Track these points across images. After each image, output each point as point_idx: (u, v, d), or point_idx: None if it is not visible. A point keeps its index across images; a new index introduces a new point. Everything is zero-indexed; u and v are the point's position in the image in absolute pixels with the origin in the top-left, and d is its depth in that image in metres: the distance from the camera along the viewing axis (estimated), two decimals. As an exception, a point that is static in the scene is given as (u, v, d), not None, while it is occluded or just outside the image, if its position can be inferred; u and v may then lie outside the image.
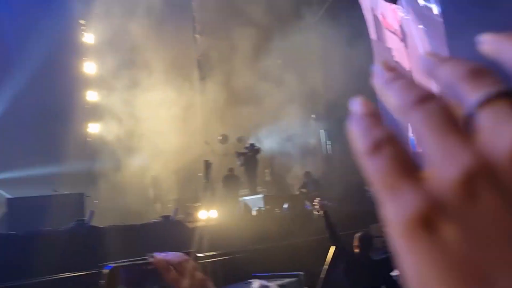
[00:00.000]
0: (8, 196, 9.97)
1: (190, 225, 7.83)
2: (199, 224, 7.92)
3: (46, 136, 12.88)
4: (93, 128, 14.23)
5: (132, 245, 6.71)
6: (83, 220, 6.84)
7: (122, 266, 1.16)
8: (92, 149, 13.96)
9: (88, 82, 14.08)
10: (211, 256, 6.79)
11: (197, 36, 15.39)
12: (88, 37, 14.08)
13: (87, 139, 14.17)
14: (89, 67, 13.95)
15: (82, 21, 14.02)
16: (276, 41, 14.44)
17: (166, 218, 7.82)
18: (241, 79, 14.23)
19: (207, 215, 8.96)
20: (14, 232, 6.34)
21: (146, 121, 13.27)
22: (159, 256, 1.26)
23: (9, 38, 12.96)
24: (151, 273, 1.25)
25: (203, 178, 11.54)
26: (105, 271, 1.14)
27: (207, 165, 11.31)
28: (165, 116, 13.42)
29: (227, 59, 14.72)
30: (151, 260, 1.26)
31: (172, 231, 7.50)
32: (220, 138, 13.91)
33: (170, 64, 13.49)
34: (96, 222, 7.70)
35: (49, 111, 12.92)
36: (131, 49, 14.01)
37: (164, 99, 13.38)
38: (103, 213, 9.35)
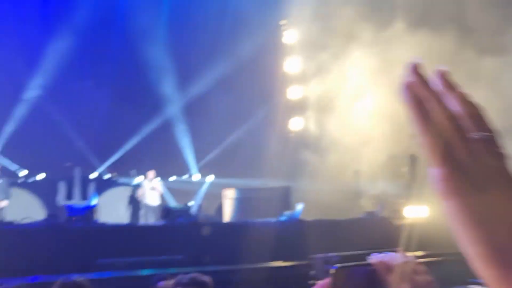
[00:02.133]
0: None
1: (396, 222, 7.46)
2: (406, 221, 7.47)
3: (251, 131, 14.04)
4: (296, 123, 14.85)
5: (337, 240, 6.70)
6: (292, 213, 7.12)
7: (347, 266, 1.10)
8: (295, 144, 14.60)
9: (290, 79, 14.73)
10: (420, 257, 6.30)
11: (394, 30, 14.62)
12: (290, 37, 14.76)
13: (290, 134, 14.87)
14: (291, 65, 14.62)
15: (283, 22, 14.80)
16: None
17: (370, 214, 7.59)
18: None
19: (416, 212, 8.40)
20: (230, 222, 6.94)
21: (348, 116, 13.14)
22: (378, 257, 1.12)
23: (215, 37, 14.38)
24: (372, 275, 1.15)
25: (408, 173, 10.89)
26: (332, 271, 1.09)
27: (413, 159, 10.62)
28: (368, 111, 13.08)
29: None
30: (371, 261, 1.15)
31: (377, 227, 7.26)
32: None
33: (374, 60, 12.97)
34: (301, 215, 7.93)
35: (253, 108, 14.03)
36: (332, 45, 14.06)
37: (363, 98, 13.08)
38: (305, 206, 9.63)
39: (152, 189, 11.10)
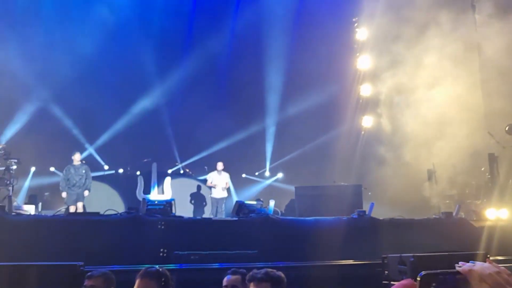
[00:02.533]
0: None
1: (475, 225, 7.12)
2: (486, 223, 7.11)
3: (321, 130, 14.01)
4: (367, 121, 14.60)
5: (410, 240, 6.53)
6: (364, 211, 7.04)
7: (434, 274, 1.11)
8: (367, 141, 14.36)
9: (362, 77, 14.50)
10: (501, 262, 5.99)
11: (477, 16, 13.83)
12: (361, 33, 14.52)
13: (362, 132, 14.64)
14: (363, 62, 14.38)
15: (354, 19, 14.58)
16: None
17: (447, 215, 7.31)
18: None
19: (496, 214, 7.97)
20: (301, 218, 6.99)
21: (423, 111, 12.64)
22: (467, 266, 1.11)
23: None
24: (461, 284, 1.14)
25: (487, 173, 10.33)
26: (419, 277, 1.11)
27: (492, 158, 10.06)
28: (441, 107, 12.52)
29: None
30: (459, 269, 1.14)
31: (454, 229, 6.97)
32: (507, 128, 12.15)
33: (446, 54, 12.36)
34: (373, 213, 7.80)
35: (325, 105, 13.97)
36: (403, 43, 13.62)
37: (438, 91, 12.52)
38: (377, 205, 9.44)
39: (219, 180, 11.42)
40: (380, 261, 5.23)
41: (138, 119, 13.78)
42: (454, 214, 7.45)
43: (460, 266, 1.12)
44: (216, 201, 11.53)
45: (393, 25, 12.80)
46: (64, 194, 10.72)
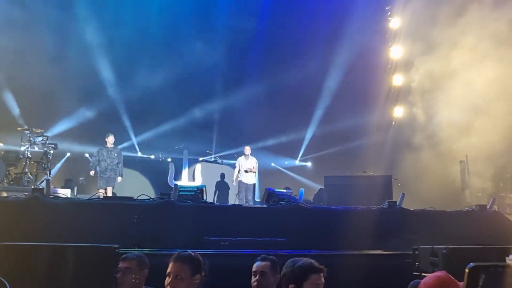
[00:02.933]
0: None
1: (511, 218, 6.96)
2: (521, 218, 6.94)
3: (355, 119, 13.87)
4: (399, 111, 14.37)
5: (441, 232, 6.45)
6: (395, 202, 6.97)
7: (483, 266, 1.11)
8: (397, 132, 14.16)
9: (395, 66, 14.25)
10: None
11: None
12: (394, 22, 14.22)
13: (393, 122, 14.43)
14: (395, 51, 14.12)
15: (388, 7, 14.28)
16: None
17: (481, 207, 7.15)
18: None
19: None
20: (331, 207, 6.97)
21: (456, 100, 12.30)
22: None
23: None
24: (509, 277, 1.13)
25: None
26: (467, 269, 1.10)
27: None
28: (477, 98, 12.14)
29: None
30: (510, 263, 1.13)
31: (488, 222, 6.83)
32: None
33: (486, 35, 11.84)
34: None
35: (357, 95, 13.83)
36: (438, 26, 13.25)
37: (478, 74, 12.08)
38: (407, 196, 9.31)
39: (247, 165, 11.22)
40: (411, 252, 5.20)
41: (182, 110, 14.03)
42: (488, 207, 7.28)
43: (511, 260, 1.11)
44: (245, 186, 11.34)
45: (429, 8, 12.44)
46: (92, 172, 10.64)
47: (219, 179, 11.84)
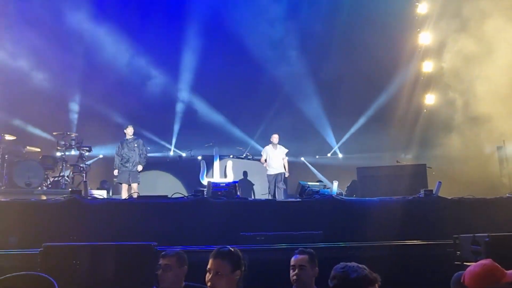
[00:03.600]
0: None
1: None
2: None
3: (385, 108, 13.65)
4: (429, 99, 14.06)
5: (480, 220, 6.29)
6: (431, 190, 6.82)
7: None
8: (429, 120, 13.86)
9: (423, 53, 13.94)
10: None
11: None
12: (422, 7, 13.90)
13: (424, 110, 14.13)
14: (424, 38, 13.81)
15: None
16: None
17: (521, 193, 6.93)
18: None
19: None
20: (367, 198, 6.89)
21: (491, 84, 11.85)
22: None
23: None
24: None
25: None
26: None
27: None
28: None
29: None
30: None
31: (530, 208, 6.61)
32: None
33: None
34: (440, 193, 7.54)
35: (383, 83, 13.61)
36: (466, 17, 12.82)
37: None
38: (444, 184, 9.10)
39: (275, 155, 10.63)
40: (451, 241, 5.09)
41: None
42: (529, 192, 7.05)
43: None
44: (273, 178, 10.75)
45: (450, 4, 12.13)
46: (116, 172, 10.24)
47: (250, 175, 11.86)
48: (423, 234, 6.04)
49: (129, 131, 10.43)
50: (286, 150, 11.02)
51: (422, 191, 6.93)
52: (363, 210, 6.58)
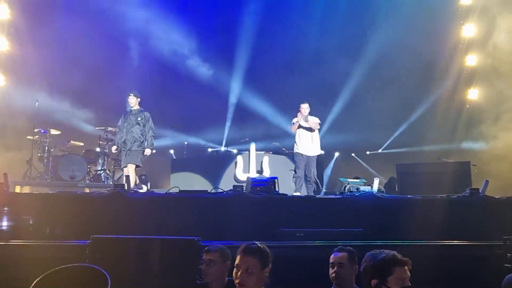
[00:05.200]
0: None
1: None
2: None
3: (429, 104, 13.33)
4: (473, 94, 13.61)
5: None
6: (477, 189, 6.61)
7: None
8: (472, 116, 13.43)
9: (467, 46, 13.49)
10: None
11: None
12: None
13: (467, 105, 13.70)
14: (468, 30, 13.35)
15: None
16: None
17: None
18: None
19: None
20: (409, 196, 6.75)
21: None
22: None
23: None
24: None
25: None
26: None
27: None
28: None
29: None
30: None
31: None
32: None
33: None
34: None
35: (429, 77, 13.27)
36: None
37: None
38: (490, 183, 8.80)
39: (305, 123, 9.16)
40: (501, 243, 4.92)
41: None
42: None
43: None
44: (304, 160, 9.17)
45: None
46: (114, 148, 8.98)
47: (287, 171, 11.77)
48: (469, 234, 5.85)
49: (132, 100, 8.57)
50: (318, 121, 9.48)
51: (467, 190, 6.72)
52: (405, 208, 6.46)
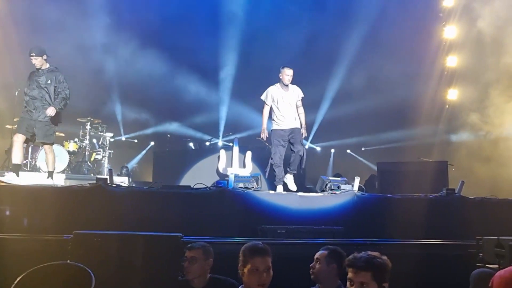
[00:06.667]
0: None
1: None
2: None
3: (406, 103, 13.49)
4: (452, 94, 13.87)
5: (503, 222, 6.25)
6: (453, 189, 6.79)
7: None
8: (451, 116, 13.69)
9: (448, 47, 13.72)
10: None
11: None
12: (448, 1, 13.66)
13: (446, 105, 13.95)
14: (449, 32, 13.59)
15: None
16: None
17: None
18: None
19: None
20: (389, 195, 6.89)
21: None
22: None
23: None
24: None
25: None
26: None
27: None
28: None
29: None
30: None
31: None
32: None
33: None
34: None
35: (410, 76, 13.44)
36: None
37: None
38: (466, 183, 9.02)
39: (286, 98, 7.49)
40: (474, 242, 5.08)
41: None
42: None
43: None
44: (284, 136, 7.48)
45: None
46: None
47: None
48: (445, 234, 6.04)
49: (36, 61, 6.97)
50: (302, 94, 7.74)
51: (444, 190, 6.90)
52: (384, 206, 6.60)
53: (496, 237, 4.62)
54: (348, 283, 2.78)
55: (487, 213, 6.47)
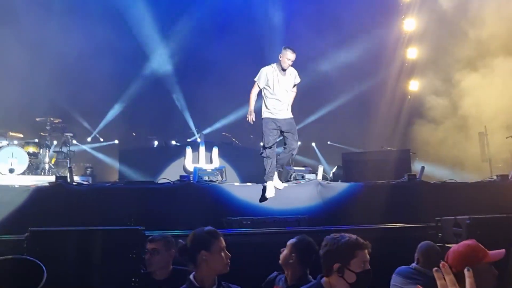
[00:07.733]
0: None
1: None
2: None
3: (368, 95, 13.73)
4: (413, 85, 14.21)
5: (463, 204, 6.42)
6: (414, 175, 6.95)
7: None
8: (413, 106, 14.03)
9: (408, 39, 14.04)
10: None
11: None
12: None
13: (408, 96, 14.29)
14: (408, 24, 13.89)
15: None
16: None
17: (502, 177, 7.10)
18: None
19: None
20: (352, 183, 6.99)
21: (468, 76, 12.11)
22: None
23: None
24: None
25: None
26: None
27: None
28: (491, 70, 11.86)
29: None
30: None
31: (510, 192, 6.78)
32: None
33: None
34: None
35: (368, 70, 13.67)
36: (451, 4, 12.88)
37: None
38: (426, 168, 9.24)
39: (282, 83, 6.55)
40: (434, 224, 5.20)
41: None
42: (510, 176, 7.23)
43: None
44: (274, 126, 6.53)
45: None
46: None
47: (238, 161, 11.77)
48: (407, 218, 6.16)
49: None
50: (299, 79, 6.80)
51: (406, 176, 7.05)
52: (348, 194, 6.68)
53: (453, 217, 4.75)
54: (364, 264, 2.82)
55: (447, 196, 6.64)
